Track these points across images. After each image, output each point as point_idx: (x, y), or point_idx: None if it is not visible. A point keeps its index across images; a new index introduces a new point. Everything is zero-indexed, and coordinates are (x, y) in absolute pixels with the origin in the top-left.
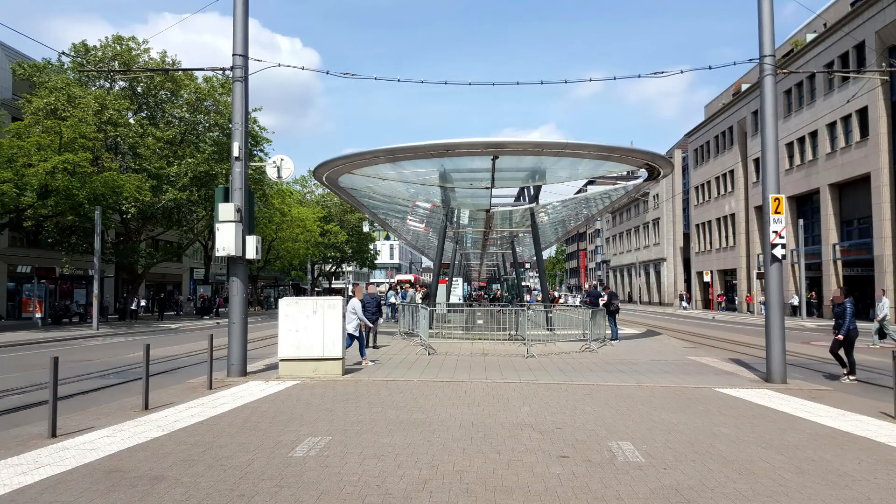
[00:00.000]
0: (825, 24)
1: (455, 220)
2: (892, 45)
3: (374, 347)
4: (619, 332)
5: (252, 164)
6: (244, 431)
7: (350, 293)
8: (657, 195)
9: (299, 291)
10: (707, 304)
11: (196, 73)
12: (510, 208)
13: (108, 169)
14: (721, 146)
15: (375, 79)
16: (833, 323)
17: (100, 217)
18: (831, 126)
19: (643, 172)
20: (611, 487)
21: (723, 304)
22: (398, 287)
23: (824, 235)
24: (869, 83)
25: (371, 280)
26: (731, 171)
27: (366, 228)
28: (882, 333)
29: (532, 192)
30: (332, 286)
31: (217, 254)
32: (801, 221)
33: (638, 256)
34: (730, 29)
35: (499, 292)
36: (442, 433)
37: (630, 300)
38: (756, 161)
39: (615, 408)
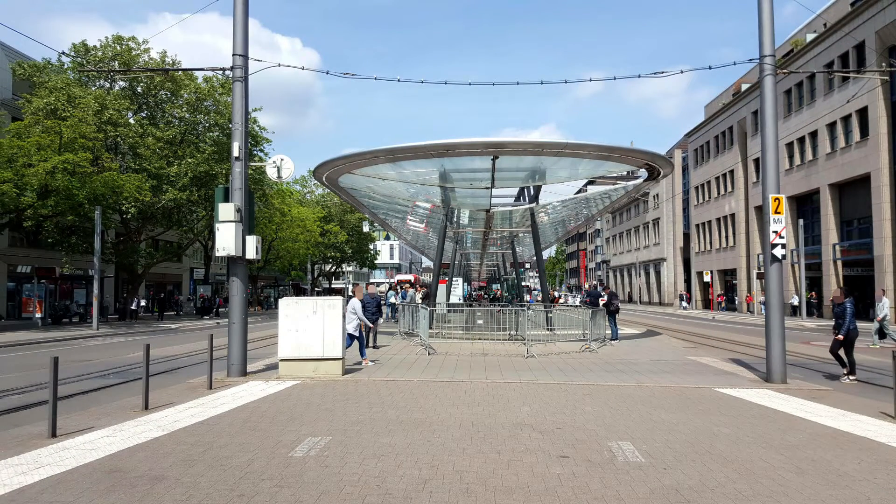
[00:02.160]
0: (825, 24)
1: (455, 220)
2: (892, 45)
3: (374, 347)
4: (619, 332)
5: (252, 164)
6: (244, 431)
7: (350, 293)
8: (657, 195)
9: (299, 291)
10: (707, 304)
11: (196, 74)
12: (510, 208)
13: (108, 169)
14: (721, 146)
15: (375, 79)
16: (833, 323)
17: (100, 217)
18: (831, 126)
19: (643, 172)
20: (611, 487)
21: (723, 304)
22: (398, 287)
23: (824, 235)
24: (869, 83)
25: (371, 280)
26: (731, 171)
27: (366, 228)
28: (882, 333)
29: (532, 192)
30: (332, 286)
31: (217, 254)
32: (801, 221)
33: (638, 256)
34: (730, 29)
35: (499, 292)
36: (442, 433)
37: (630, 300)
38: (756, 161)
39: (615, 408)
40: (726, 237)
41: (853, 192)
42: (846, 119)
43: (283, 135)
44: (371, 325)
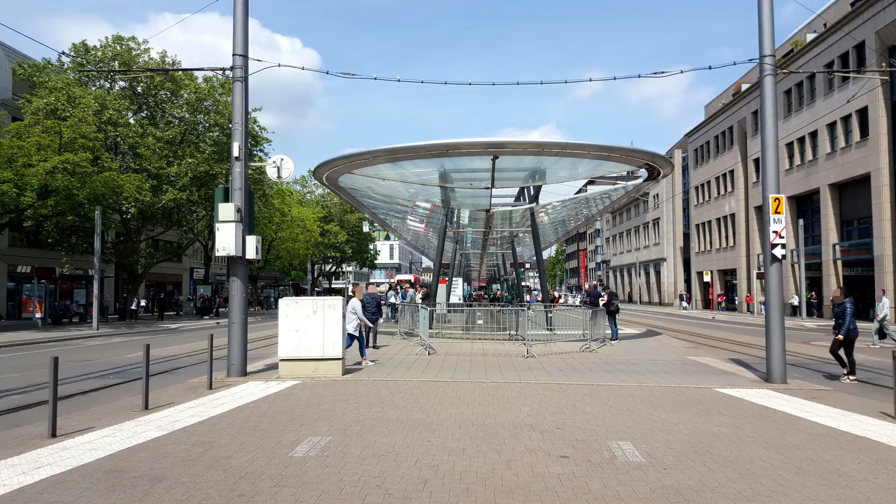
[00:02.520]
0: (825, 24)
1: (455, 220)
2: (892, 45)
3: (374, 347)
4: (619, 332)
5: (252, 164)
6: (244, 431)
7: (350, 293)
8: (657, 195)
9: (299, 291)
10: (707, 304)
11: (196, 73)
12: (510, 208)
13: (108, 169)
14: (721, 146)
15: (375, 79)
16: (833, 323)
17: (100, 217)
18: (831, 126)
19: (643, 172)
20: (611, 487)
21: (723, 304)
22: (398, 287)
23: (824, 235)
24: (869, 83)
25: (371, 280)
26: (731, 171)
27: (366, 228)
28: (882, 333)
29: (532, 192)
30: (332, 286)
31: (217, 254)
32: (801, 221)
33: (638, 256)
34: (730, 29)
35: (499, 292)
36: (442, 433)
37: (630, 300)
38: (756, 161)
39: (615, 408)
40: (726, 237)
41: (853, 192)
42: (846, 119)
43: (283, 135)
44: (371, 325)
